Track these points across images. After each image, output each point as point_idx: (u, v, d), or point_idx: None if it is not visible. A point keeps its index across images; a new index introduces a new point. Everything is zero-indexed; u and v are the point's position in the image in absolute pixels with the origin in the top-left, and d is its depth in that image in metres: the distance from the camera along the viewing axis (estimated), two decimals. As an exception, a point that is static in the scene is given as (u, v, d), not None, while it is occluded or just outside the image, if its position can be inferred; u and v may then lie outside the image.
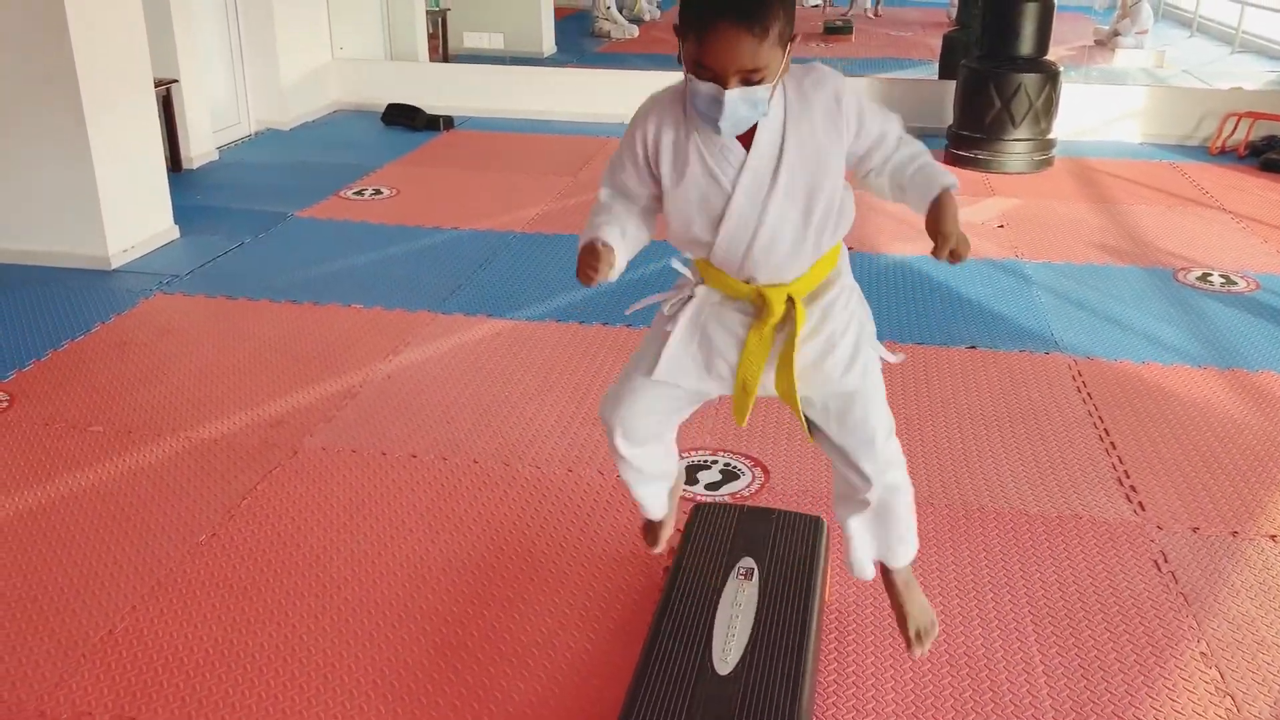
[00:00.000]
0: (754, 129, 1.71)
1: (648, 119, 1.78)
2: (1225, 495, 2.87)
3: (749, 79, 1.60)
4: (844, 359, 1.86)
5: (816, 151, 1.73)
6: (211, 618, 2.35)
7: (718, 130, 1.66)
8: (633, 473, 2.12)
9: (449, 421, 3.24)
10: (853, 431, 1.92)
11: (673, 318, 1.90)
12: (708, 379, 1.91)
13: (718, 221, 1.75)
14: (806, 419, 1.95)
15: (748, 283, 1.81)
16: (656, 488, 2.20)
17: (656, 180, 1.79)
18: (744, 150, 1.72)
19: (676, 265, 1.92)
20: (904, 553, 2.10)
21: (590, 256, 1.74)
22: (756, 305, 1.83)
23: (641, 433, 2.04)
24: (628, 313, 2.04)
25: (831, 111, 1.73)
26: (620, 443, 2.04)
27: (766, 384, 1.87)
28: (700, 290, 1.88)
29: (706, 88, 1.62)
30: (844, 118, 1.73)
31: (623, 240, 1.80)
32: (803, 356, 1.84)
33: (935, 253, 1.70)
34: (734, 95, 1.61)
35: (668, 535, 2.32)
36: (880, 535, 2.07)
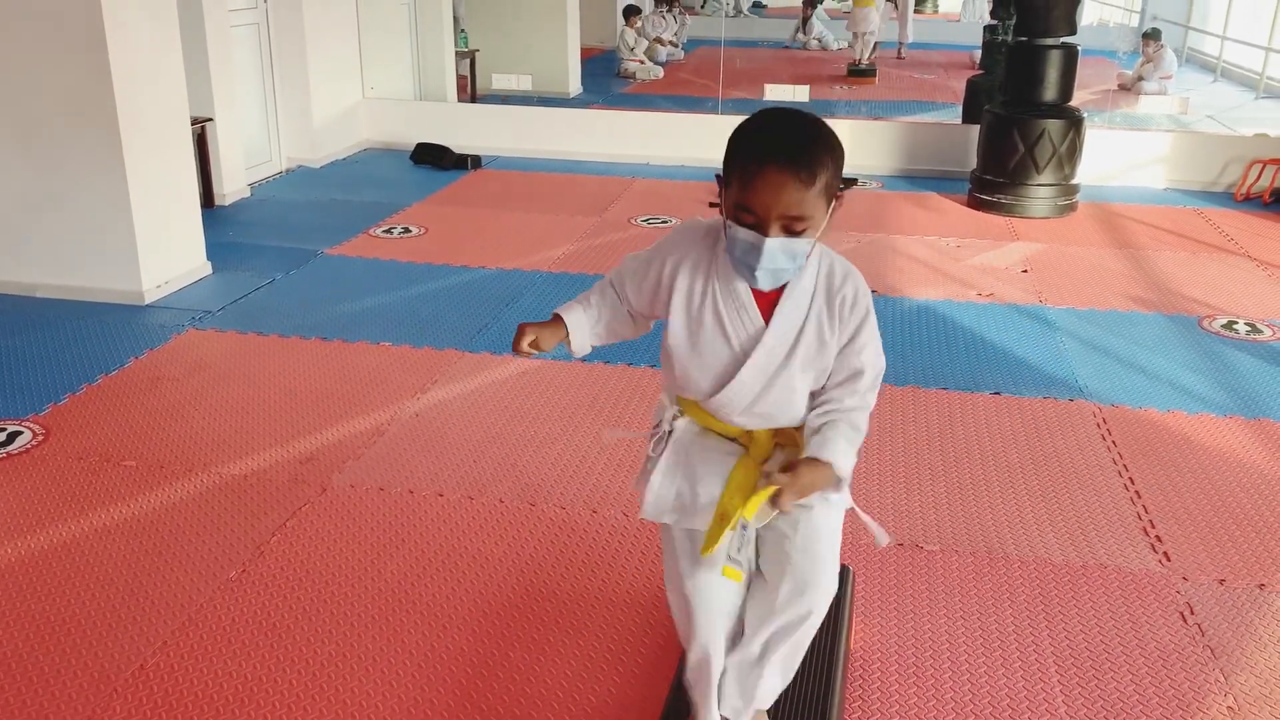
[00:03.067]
0: (777, 302, 1.70)
1: (676, 251, 1.76)
2: (1252, 547, 2.86)
3: (791, 228, 1.57)
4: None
5: (831, 337, 1.73)
6: (241, 654, 2.38)
7: (754, 280, 1.62)
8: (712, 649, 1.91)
9: (475, 460, 3.27)
10: (802, 553, 1.81)
11: (655, 457, 1.83)
12: (691, 516, 1.80)
13: (721, 383, 1.73)
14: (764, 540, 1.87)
15: (737, 427, 1.79)
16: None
17: (661, 313, 1.79)
18: (763, 322, 1.71)
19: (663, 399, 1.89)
20: (766, 698, 1.96)
21: (522, 331, 1.77)
22: (743, 442, 1.80)
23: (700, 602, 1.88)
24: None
25: (846, 308, 1.72)
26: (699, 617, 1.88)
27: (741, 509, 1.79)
28: (680, 424, 1.83)
29: (746, 234, 1.59)
30: (851, 325, 1.72)
31: (590, 324, 1.81)
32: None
33: (775, 493, 1.62)
34: (774, 244, 1.57)
35: None
36: (760, 677, 1.92)
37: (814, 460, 1.67)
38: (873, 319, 1.76)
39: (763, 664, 1.90)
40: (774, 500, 1.63)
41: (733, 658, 1.92)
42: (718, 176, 1.66)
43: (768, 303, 1.71)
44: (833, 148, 1.59)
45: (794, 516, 1.79)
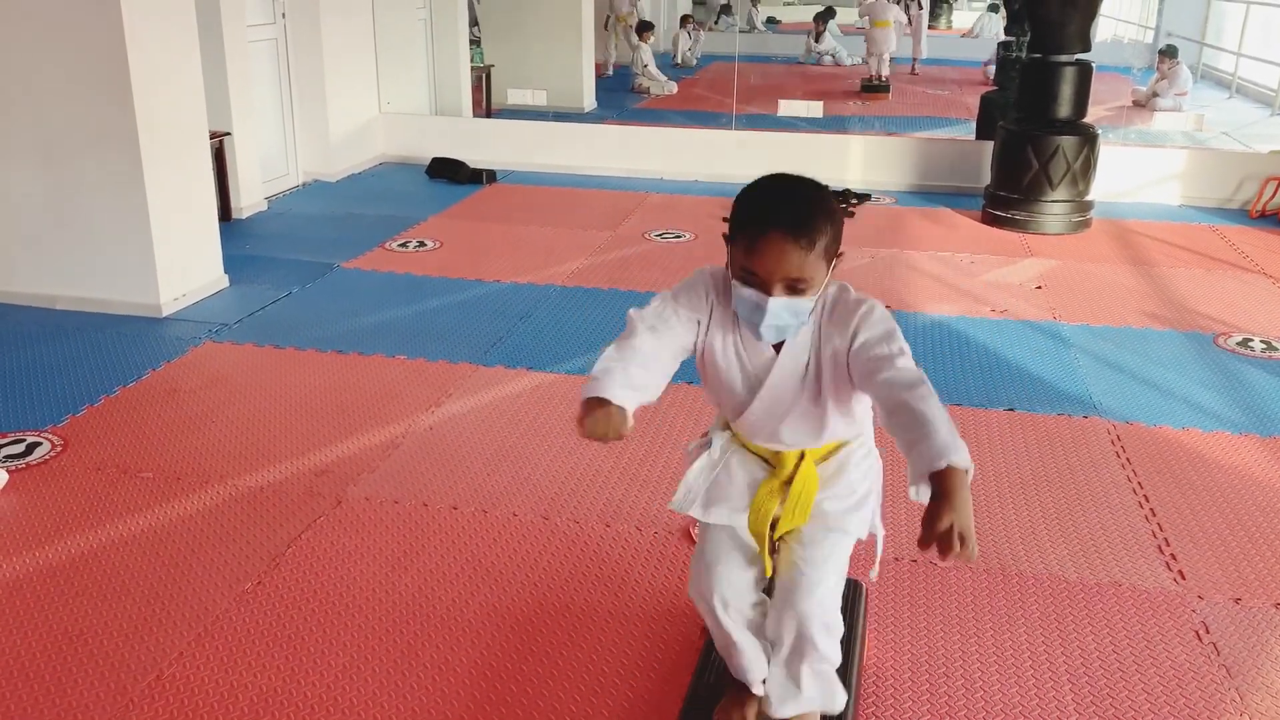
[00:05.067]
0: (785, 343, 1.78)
1: (712, 282, 1.83)
2: (1268, 566, 2.84)
3: (794, 288, 1.66)
4: (854, 504, 1.91)
5: (839, 368, 1.77)
6: (256, 666, 2.39)
7: (758, 335, 1.73)
8: (734, 632, 2.01)
9: (490, 474, 3.29)
10: (813, 569, 1.90)
11: (695, 455, 1.99)
12: (725, 508, 1.94)
13: (740, 410, 1.84)
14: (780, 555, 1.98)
15: (766, 446, 1.91)
16: (757, 653, 2.05)
17: (692, 342, 1.82)
18: (773, 352, 1.79)
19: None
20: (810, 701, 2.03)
21: (604, 419, 1.66)
22: (773, 462, 1.91)
23: (731, 592, 1.98)
24: (688, 449, 2.06)
25: (858, 325, 1.74)
26: (716, 604, 1.98)
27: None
28: (723, 435, 1.97)
29: (751, 294, 1.68)
30: (862, 330, 1.74)
31: (631, 396, 1.71)
32: (816, 502, 1.90)
33: (925, 545, 1.46)
34: (778, 304, 1.67)
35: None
36: (788, 685, 2.00)
37: (944, 498, 1.47)
38: (879, 311, 1.76)
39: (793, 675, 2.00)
40: (960, 545, 1.46)
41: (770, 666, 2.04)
42: (725, 236, 1.74)
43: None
44: (831, 213, 1.69)
45: (814, 541, 1.91)
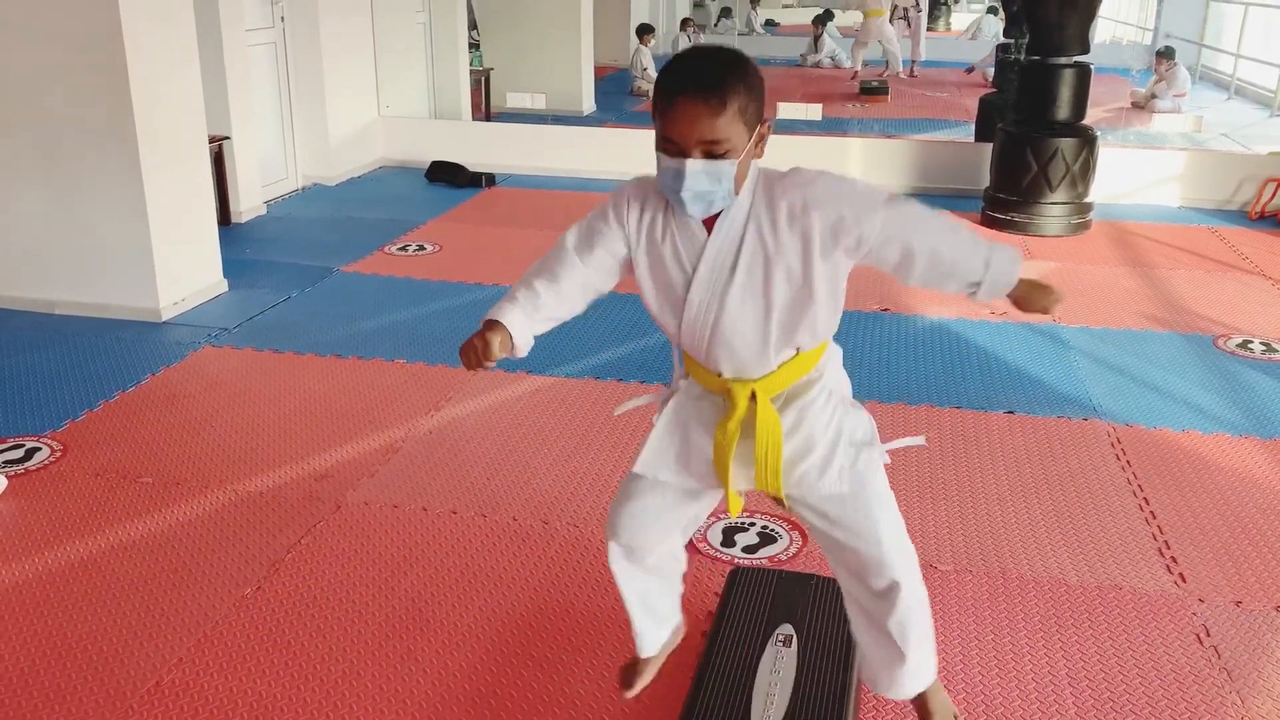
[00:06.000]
0: (716, 220, 1.73)
1: (629, 190, 1.82)
2: (1269, 568, 2.84)
3: (711, 151, 1.64)
4: (818, 461, 1.82)
5: (777, 252, 1.72)
6: (256, 672, 2.39)
7: (681, 203, 1.67)
8: (634, 591, 2.07)
9: (489, 478, 3.28)
10: (855, 539, 1.86)
11: (658, 412, 1.93)
12: (687, 475, 1.90)
13: (682, 305, 1.78)
14: (814, 532, 1.95)
15: (718, 376, 1.82)
16: (656, 619, 2.13)
17: (627, 246, 1.80)
18: (705, 235, 1.75)
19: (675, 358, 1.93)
20: (920, 680, 2.01)
21: (479, 345, 1.74)
22: (725, 400, 1.83)
23: (639, 540, 1.99)
24: (615, 414, 2.06)
25: (796, 215, 1.70)
26: (617, 553, 2.02)
27: (749, 479, 1.87)
28: (683, 384, 1.90)
29: (669, 160, 1.66)
30: (815, 221, 1.69)
31: (528, 320, 1.80)
32: (789, 461, 1.83)
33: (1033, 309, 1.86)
34: (695, 166, 1.64)
35: (645, 683, 2.20)
36: (893, 660, 1.97)
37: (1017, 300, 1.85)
38: (823, 180, 1.73)
39: (899, 648, 1.95)
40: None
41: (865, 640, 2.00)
42: (652, 116, 1.72)
43: (712, 221, 1.75)
44: (746, 76, 1.66)
45: (835, 510, 1.85)
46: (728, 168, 1.65)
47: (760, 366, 1.80)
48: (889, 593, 1.88)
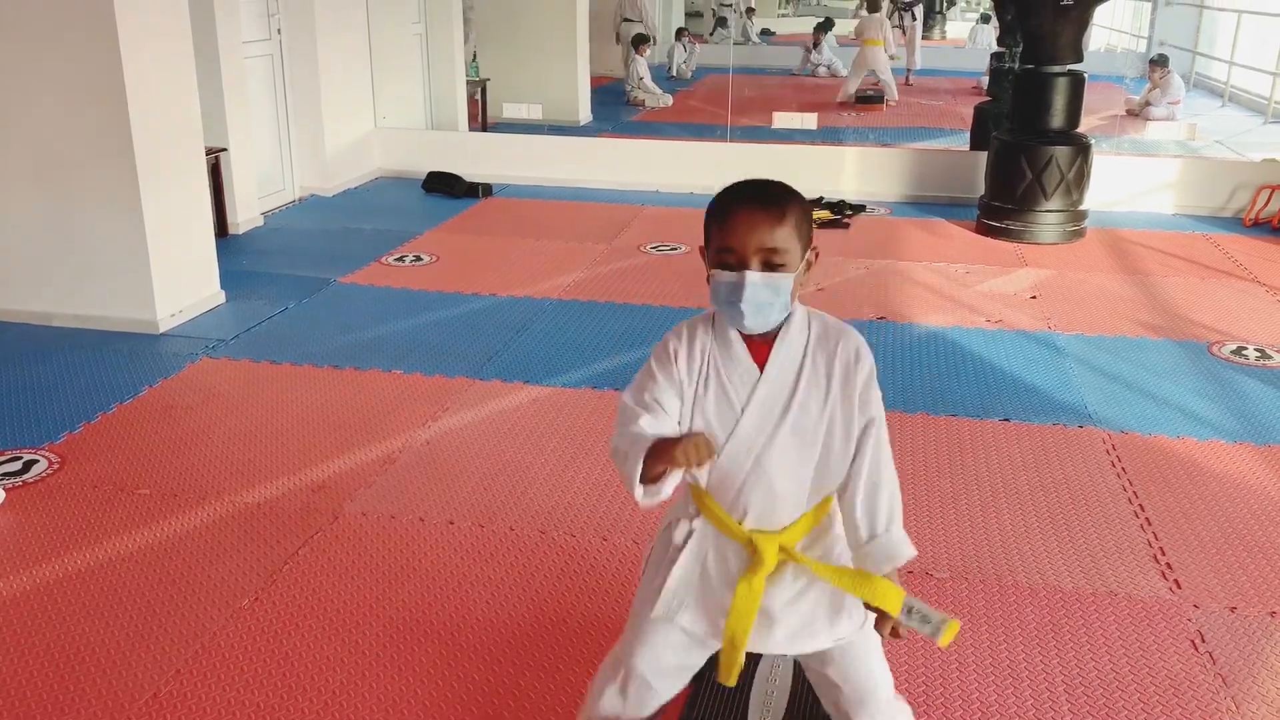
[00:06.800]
0: (770, 355, 1.71)
1: (679, 334, 1.78)
2: (1263, 574, 2.85)
3: (769, 261, 1.64)
4: (828, 611, 1.79)
5: (828, 395, 1.71)
6: (254, 683, 2.39)
7: (740, 319, 1.66)
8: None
9: (486, 488, 3.29)
10: (856, 685, 1.84)
11: (676, 551, 1.82)
12: (704, 621, 1.81)
13: (725, 440, 1.72)
14: (804, 667, 1.91)
15: (739, 522, 1.75)
16: None
17: (679, 397, 1.74)
18: (758, 371, 1.72)
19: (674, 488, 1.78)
20: None
21: (697, 443, 1.63)
22: (748, 552, 1.75)
23: (653, 683, 1.89)
24: (641, 505, 1.79)
25: (850, 367, 1.72)
26: (631, 686, 1.89)
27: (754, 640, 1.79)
28: (698, 524, 1.80)
29: (728, 274, 1.66)
30: (859, 383, 1.71)
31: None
32: (798, 612, 1.78)
33: (878, 627, 1.73)
34: (755, 277, 1.64)
35: None
36: None
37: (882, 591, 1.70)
38: (873, 375, 1.74)
39: None
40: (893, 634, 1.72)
41: None
42: (699, 249, 1.74)
43: (763, 356, 1.73)
44: (800, 197, 1.70)
45: (839, 654, 1.81)
46: (786, 281, 1.66)
47: (790, 512, 1.75)
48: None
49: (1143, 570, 2.86)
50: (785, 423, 1.71)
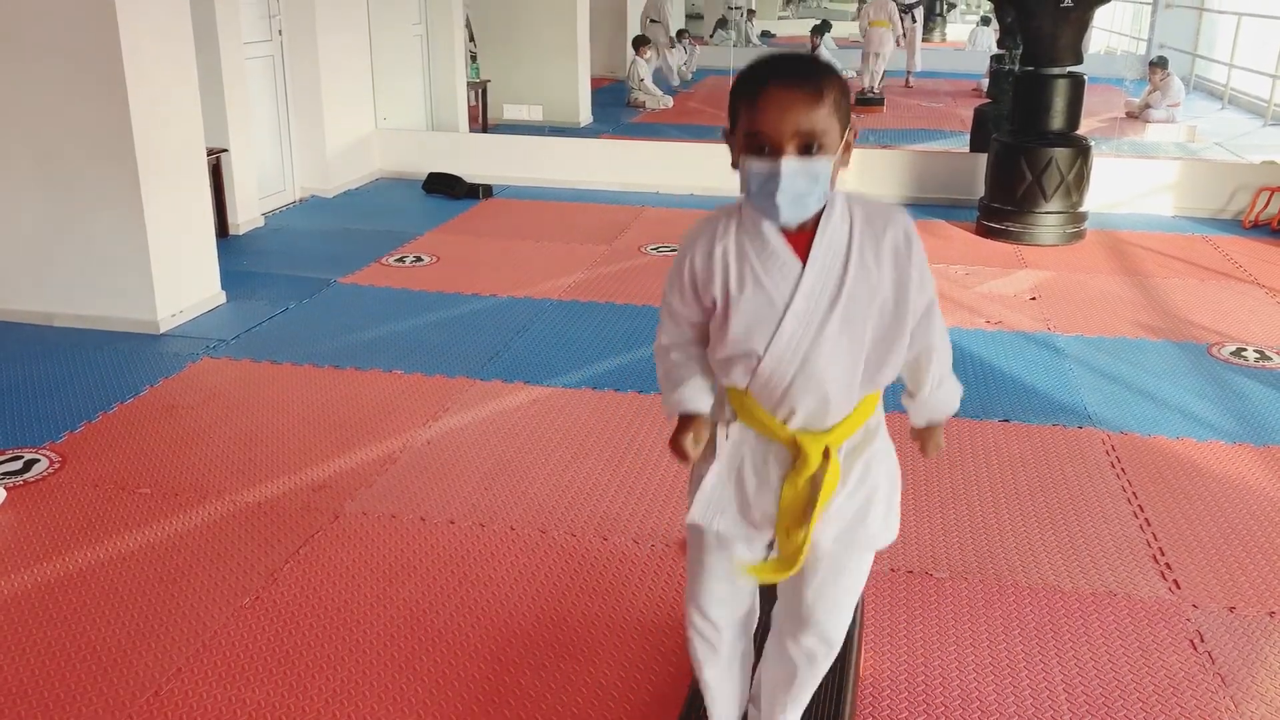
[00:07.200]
0: (810, 243, 1.60)
1: (695, 242, 1.67)
2: (1262, 574, 2.86)
3: (806, 145, 1.51)
4: (881, 513, 1.76)
5: (881, 287, 1.61)
6: (254, 681, 2.40)
7: (776, 211, 1.54)
8: (711, 657, 1.93)
9: (486, 488, 3.30)
10: (833, 585, 1.80)
11: (709, 459, 1.75)
12: (743, 525, 1.77)
13: (768, 343, 1.61)
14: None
15: (784, 423, 1.67)
16: (732, 690, 2.00)
17: (709, 306, 1.67)
18: (800, 265, 1.60)
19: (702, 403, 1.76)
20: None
21: (685, 433, 1.69)
22: (792, 453, 1.68)
23: (715, 612, 1.88)
24: (689, 520, 1.80)
25: (901, 252, 1.62)
26: (696, 618, 1.89)
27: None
28: (734, 429, 1.73)
29: (761, 163, 1.52)
30: (914, 266, 1.62)
31: (707, 399, 1.73)
32: (842, 512, 1.73)
33: (922, 449, 1.94)
34: (792, 165, 1.50)
35: None
36: (780, 696, 1.97)
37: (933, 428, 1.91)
38: (922, 253, 1.66)
39: (786, 699, 1.97)
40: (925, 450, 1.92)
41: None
42: (724, 132, 1.61)
43: (802, 247, 1.61)
44: (836, 73, 1.57)
45: (830, 560, 1.77)
46: (825, 166, 1.53)
47: (839, 410, 1.67)
48: (812, 655, 1.88)
49: (1142, 570, 2.87)
50: (833, 317, 1.59)
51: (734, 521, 1.77)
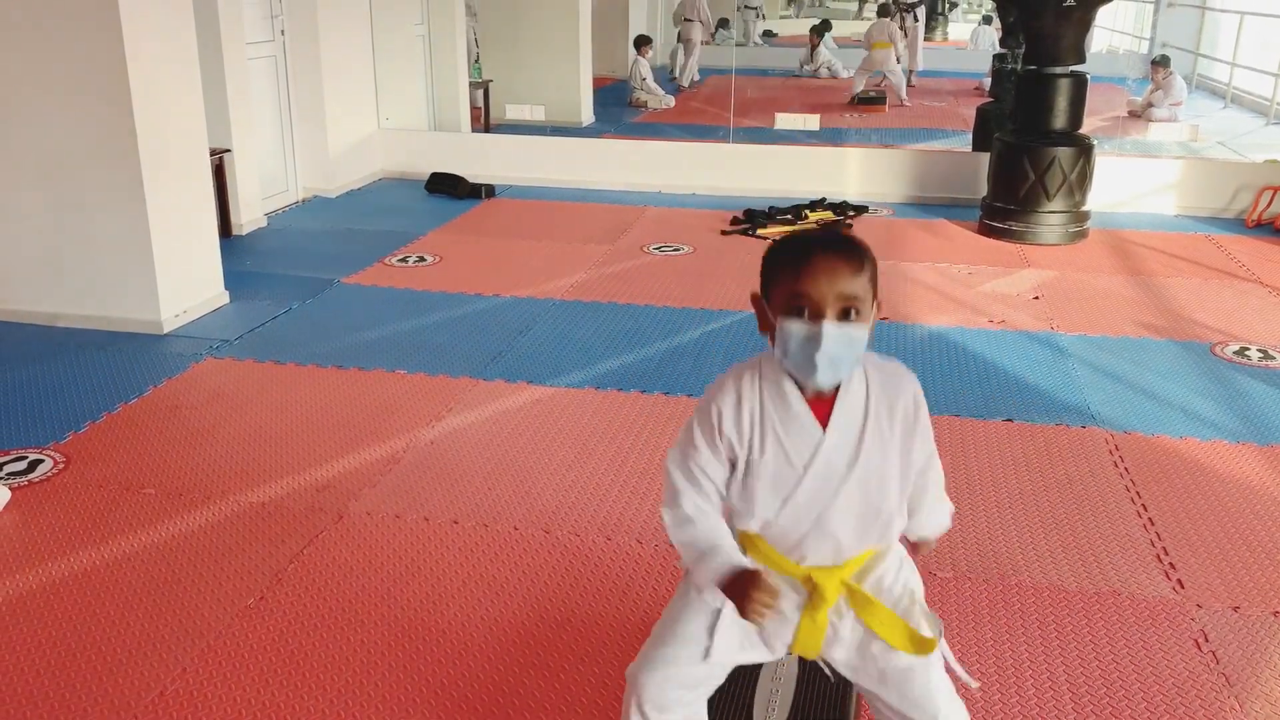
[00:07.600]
0: (831, 408, 1.65)
1: (722, 396, 1.69)
2: (1266, 574, 2.86)
3: (846, 310, 1.58)
4: (919, 615, 1.76)
5: (894, 452, 1.69)
6: (259, 681, 2.40)
7: (813, 373, 1.59)
8: None
9: (490, 488, 3.30)
10: (915, 705, 1.77)
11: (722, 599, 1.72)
12: (752, 652, 1.79)
13: (784, 502, 1.67)
14: (857, 685, 1.84)
15: (798, 563, 1.72)
16: None
17: (731, 461, 1.70)
18: (820, 431, 1.65)
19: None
20: None
21: (762, 594, 1.61)
22: (807, 589, 1.72)
23: (669, 702, 1.84)
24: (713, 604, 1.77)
25: (909, 417, 1.70)
26: (647, 710, 1.84)
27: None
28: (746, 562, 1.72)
29: (801, 326, 1.58)
30: (919, 428, 1.71)
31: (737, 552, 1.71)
32: (856, 634, 1.74)
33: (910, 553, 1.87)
34: (833, 328, 1.56)
35: None
36: None
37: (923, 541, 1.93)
38: (927, 414, 1.74)
39: None
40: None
41: None
42: (754, 297, 1.67)
43: (822, 414, 1.67)
44: (871, 252, 1.65)
45: (898, 676, 1.75)
46: (862, 333, 1.60)
47: (851, 551, 1.72)
48: None
49: (1146, 570, 2.87)
50: (850, 479, 1.66)
51: (742, 653, 1.80)
